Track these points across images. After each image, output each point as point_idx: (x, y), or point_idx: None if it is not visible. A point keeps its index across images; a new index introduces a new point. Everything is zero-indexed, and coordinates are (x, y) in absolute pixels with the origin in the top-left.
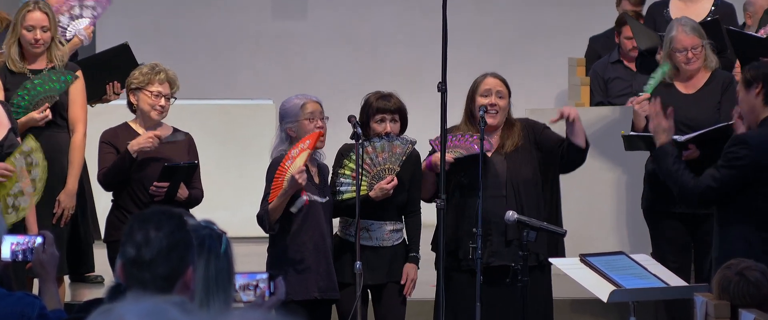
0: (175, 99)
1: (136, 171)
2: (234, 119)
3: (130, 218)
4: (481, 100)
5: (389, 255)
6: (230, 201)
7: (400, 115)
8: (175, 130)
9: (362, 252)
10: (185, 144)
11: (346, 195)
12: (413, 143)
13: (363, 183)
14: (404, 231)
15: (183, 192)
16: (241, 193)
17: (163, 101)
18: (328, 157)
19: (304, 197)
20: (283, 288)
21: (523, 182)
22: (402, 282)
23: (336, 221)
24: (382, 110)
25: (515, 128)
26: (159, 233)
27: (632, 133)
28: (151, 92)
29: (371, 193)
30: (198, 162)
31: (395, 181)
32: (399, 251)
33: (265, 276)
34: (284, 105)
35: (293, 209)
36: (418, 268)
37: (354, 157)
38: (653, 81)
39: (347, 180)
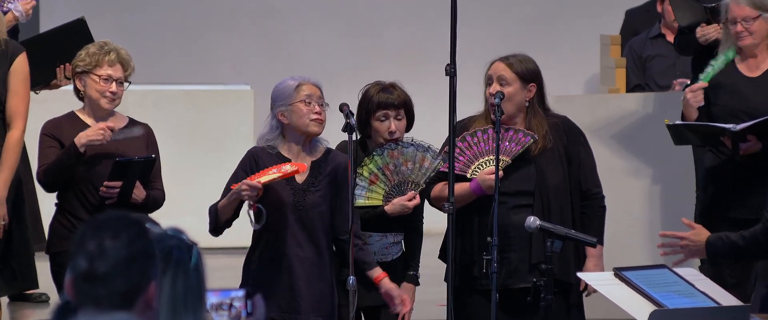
0: (129, 83)
1: (84, 169)
2: (205, 108)
3: (82, 224)
4: (487, 90)
5: (390, 271)
6: (201, 204)
7: (406, 109)
8: (132, 121)
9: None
10: (143, 137)
11: (359, 201)
12: (444, 160)
13: (380, 191)
14: (402, 243)
15: (139, 192)
16: (213, 196)
17: (114, 86)
18: None
19: (264, 212)
20: (262, 307)
21: (553, 189)
22: (395, 305)
23: None
24: (384, 105)
25: (539, 126)
26: (116, 242)
27: (680, 122)
28: (99, 76)
29: (388, 208)
30: (155, 156)
31: (417, 199)
32: (399, 266)
33: (240, 293)
34: (277, 87)
35: (254, 226)
36: (418, 286)
37: (376, 157)
38: (712, 69)
39: (364, 184)
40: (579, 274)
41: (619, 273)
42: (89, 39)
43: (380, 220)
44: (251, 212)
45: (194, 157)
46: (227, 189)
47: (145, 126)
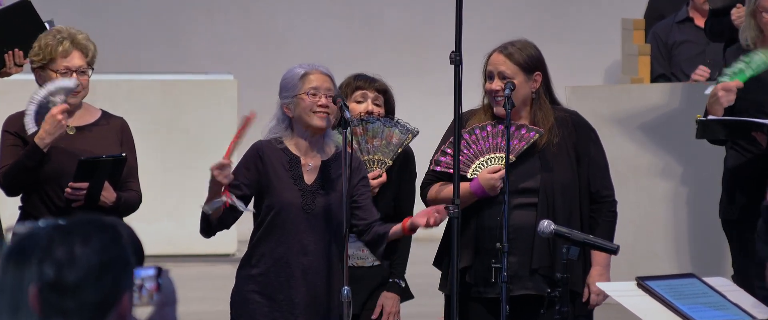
0: (92, 70)
1: (49, 169)
2: (184, 100)
3: (49, 228)
4: (487, 85)
5: (369, 278)
6: (178, 207)
7: (385, 98)
8: (105, 114)
9: (353, 275)
10: (116, 131)
11: None
12: (414, 133)
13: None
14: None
15: (109, 194)
16: (192, 198)
17: (76, 78)
18: None
19: (223, 198)
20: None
21: (559, 187)
22: (373, 318)
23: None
24: (362, 87)
25: (545, 119)
26: (86, 248)
27: (712, 117)
28: (56, 71)
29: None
30: (127, 154)
31: (384, 177)
32: (384, 272)
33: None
34: (285, 75)
35: (205, 208)
36: (402, 298)
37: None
38: (750, 71)
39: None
40: (598, 284)
41: (643, 282)
42: (38, 22)
43: None
44: (222, 197)
45: (171, 155)
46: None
47: (120, 120)
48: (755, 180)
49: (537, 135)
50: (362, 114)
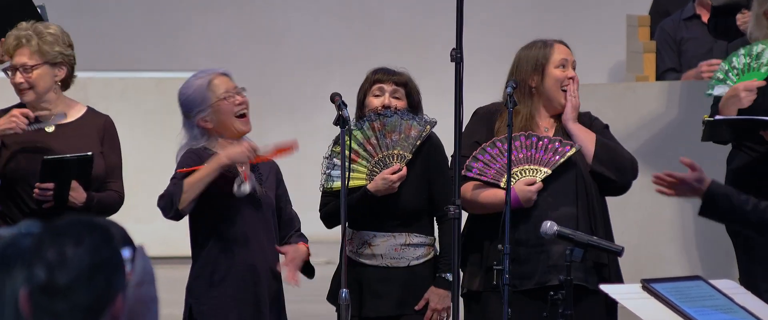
0: (44, 66)
1: (17, 169)
2: (176, 97)
3: (40, 230)
4: (557, 73)
5: (403, 278)
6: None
7: (407, 90)
8: (91, 112)
9: (364, 274)
10: (98, 130)
11: (336, 184)
12: (432, 124)
13: (363, 170)
14: (437, 244)
15: (78, 194)
16: None
17: (18, 77)
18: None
19: (247, 184)
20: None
21: (595, 193)
22: (423, 311)
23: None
24: (381, 80)
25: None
26: (78, 249)
27: (720, 117)
28: (7, 71)
29: (370, 185)
30: (93, 153)
31: (404, 171)
32: (422, 273)
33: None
34: (184, 92)
35: (237, 191)
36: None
37: (355, 132)
38: (766, 67)
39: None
40: (601, 287)
41: (648, 285)
42: (32, 9)
43: (380, 216)
44: (241, 181)
45: (166, 154)
46: (176, 177)
47: (104, 117)
48: (761, 180)
49: (572, 150)
50: (379, 108)
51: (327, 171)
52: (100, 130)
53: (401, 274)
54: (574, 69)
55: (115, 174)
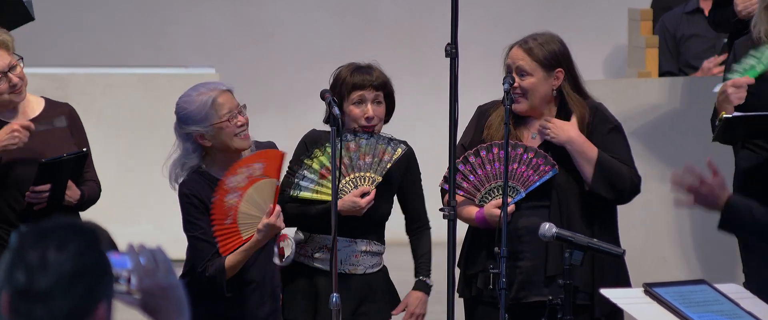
0: (22, 61)
1: (5, 175)
2: (164, 95)
3: (23, 232)
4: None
5: (361, 287)
6: (158, 210)
7: (385, 92)
8: (49, 103)
9: (318, 281)
10: (66, 122)
11: (303, 194)
12: (403, 149)
13: (330, 186)
14: (384, 254)
15: (73, 193)
16: (173, 198)
17: (13, 78)
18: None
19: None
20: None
21: (575, 188)
22: (403, 314)
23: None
24: (360, 85)
25: (582, 107)
26: (61, 254)
27: (738, 114)
28: None
29: (339, 203)
30: (87, 149)
31: (372, 195)
32: (376, 282)
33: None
34: (185, 107)
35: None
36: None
37: (328, 149)
38: (758, 64)
39: (312, 177)
40: (602, 291)
41: (650, 289)
42: (18, 2)
43: (347, 223)
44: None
45: (151, 153)
46: (214, 256)
47: (66, 107)
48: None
49: (552, 173)
50: (362, 121)
51: (296, 180)
52: (70, 121)
53: (357, 281)
54: (521, 75)
55: (89, 163)
